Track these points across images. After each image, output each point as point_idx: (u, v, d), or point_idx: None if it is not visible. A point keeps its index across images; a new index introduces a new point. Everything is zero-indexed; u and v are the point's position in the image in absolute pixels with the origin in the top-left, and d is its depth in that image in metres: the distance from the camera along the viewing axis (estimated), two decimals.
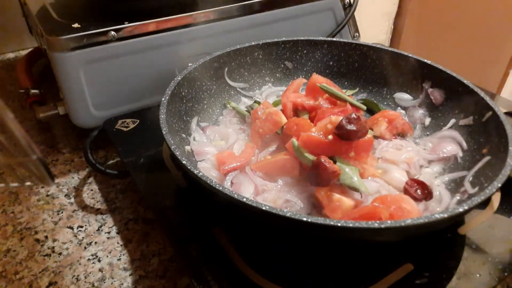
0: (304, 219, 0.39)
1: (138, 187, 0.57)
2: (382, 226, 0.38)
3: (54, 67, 0.65)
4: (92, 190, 0.65)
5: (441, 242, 0.50)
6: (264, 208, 0.40)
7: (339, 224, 0.39)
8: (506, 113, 0.56)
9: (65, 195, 0.64)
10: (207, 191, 0.45)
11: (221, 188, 0.43)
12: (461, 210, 0.41)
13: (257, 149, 0.60)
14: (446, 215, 0.40)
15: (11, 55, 1.03)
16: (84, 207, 0.62)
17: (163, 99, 0.57)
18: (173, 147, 0.49)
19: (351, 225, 0.38)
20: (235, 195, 0.42)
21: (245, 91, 0.74)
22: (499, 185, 0.44)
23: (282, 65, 0.76)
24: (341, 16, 0.86)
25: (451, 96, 0.64)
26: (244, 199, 0.41)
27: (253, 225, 0.49)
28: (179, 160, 0.47)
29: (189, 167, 0.46)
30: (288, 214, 0.39)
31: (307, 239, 0.48)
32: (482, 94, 0.58)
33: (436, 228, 0.46)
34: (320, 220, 0.39)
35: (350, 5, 0.87)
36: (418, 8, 1.40)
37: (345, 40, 0.74)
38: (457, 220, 0.51)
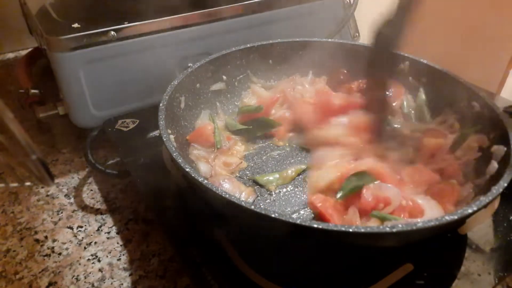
0: (315, 225, 0.39)
1: (138, 187, 0.57)
2: (394, 230, 0.38)
3: (54, 67, 0.65)
4: (92, 190, 0.65)
5: (441, 242, 0.50)
6: (273, 215, 0.40)
7: (350, 230, 0.38)
8: (505, 110, 0.57)
9: (65, 195, 0.64)
10: (211, 198, 0.44)
11: (225, 194, 0.42)
12: (470, 211, 0.41)
13: None
14: (456, 217, 0.40)
15: (11, 55, 1.03)
16: (84, 207, 0.62)
17: (160, 104, 0.56)
18: (174, 154, 0.48)
19: (363, 230, 0.38)
20: (243, 203, 0.41)
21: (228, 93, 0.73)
22: (505, 184, 0.44)
23: (278, 67, 0.75)
24: (341, 16, 0.86)
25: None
26: (253, 207, 0.41)
27: (255, 229, 0.48)
28: (183, 168, 0.46)
29: (193, 175, 0.45)
30: (298, 221, 0.39)
31: (312, 243, 0.47)
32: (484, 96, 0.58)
33: (446, 230, 0.46)
34: (331, 226, 0.39)
35: (350, 5, 0.87)
36: (418, 8, 1.39)
37: (344, 41, 0.74)
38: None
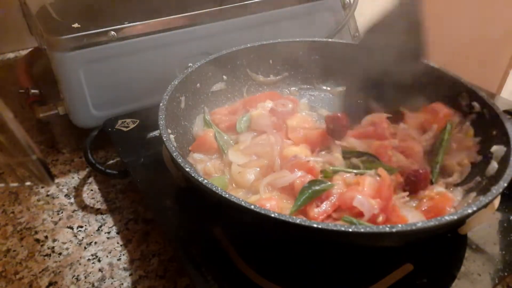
0: (315, 225, 0.39)
1: (138, 187, 0.57)
2: (394, 230, 0.38)
3: (54, 67, 0.65)
4: (92, 190, 0.65)
5: (441, 242, 0.50)
6: (273, 215, 0.40)
7: (350, 230, 0.38)
8: (505, 111, 0.57)
9: (65, 195, 0.64)
10: (213, 199, 0.44)
11: (225, 194, 0.42)
12: (469, 211, 0.41)
13: None
14: (456, 217, 0.40)
15: (11, 55, 1.03)
16: (84, 207, 0.62)
17: (161, 104, 0.56)
18: (174, 154, 0.48)
19: (362, 230, 0.38)
20: (242, 203, 0.41)
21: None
22: (505, 184, 0.44)
23: (278, 67, 0.75)
24: (341, 16, 0.86)
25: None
26: (252, 206, 0.41)
27: (260, 230, 0.48)
28: (183, 168, 0.46)
29: (193, 174, 0.45)
30: (298, 221, 0.39)
31: (312, 242, 0.47)
32: (482, 93, 0.58)
33: (445, 230, 0.46)
34: (331, 226, 0.39)
35: (350, 5, 0.87)
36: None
37: (344, 41, 0.74)
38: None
